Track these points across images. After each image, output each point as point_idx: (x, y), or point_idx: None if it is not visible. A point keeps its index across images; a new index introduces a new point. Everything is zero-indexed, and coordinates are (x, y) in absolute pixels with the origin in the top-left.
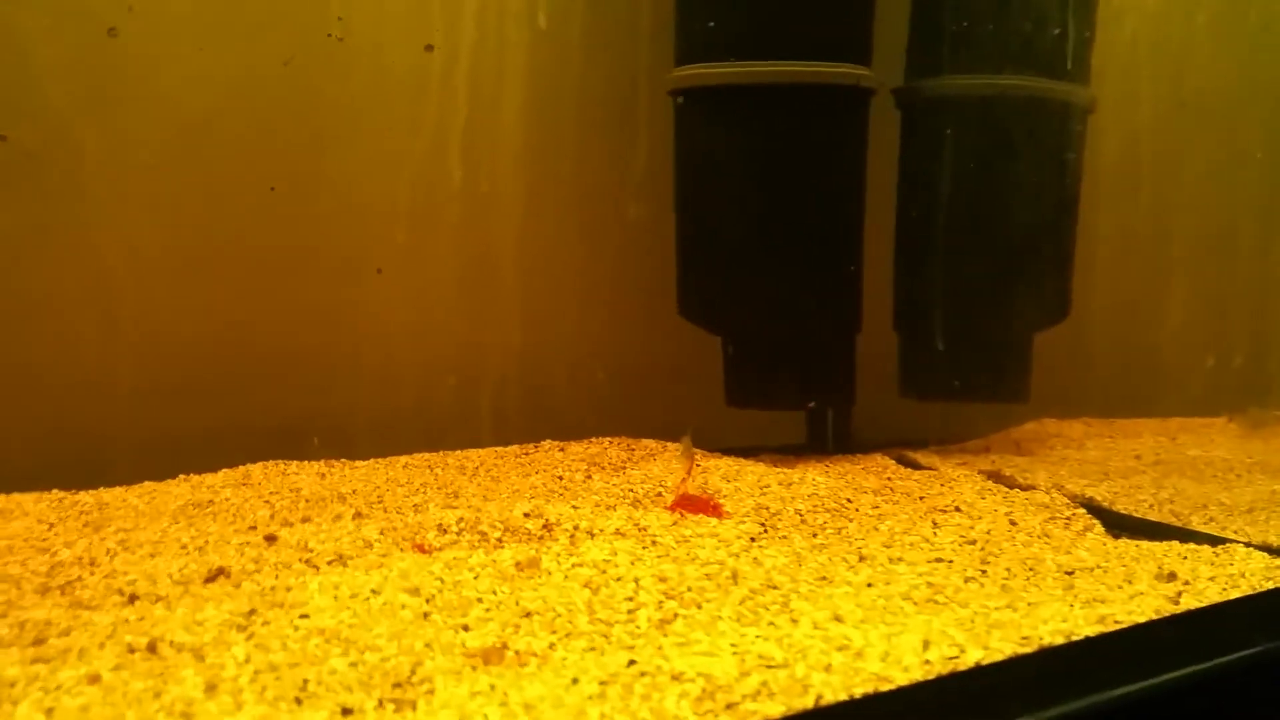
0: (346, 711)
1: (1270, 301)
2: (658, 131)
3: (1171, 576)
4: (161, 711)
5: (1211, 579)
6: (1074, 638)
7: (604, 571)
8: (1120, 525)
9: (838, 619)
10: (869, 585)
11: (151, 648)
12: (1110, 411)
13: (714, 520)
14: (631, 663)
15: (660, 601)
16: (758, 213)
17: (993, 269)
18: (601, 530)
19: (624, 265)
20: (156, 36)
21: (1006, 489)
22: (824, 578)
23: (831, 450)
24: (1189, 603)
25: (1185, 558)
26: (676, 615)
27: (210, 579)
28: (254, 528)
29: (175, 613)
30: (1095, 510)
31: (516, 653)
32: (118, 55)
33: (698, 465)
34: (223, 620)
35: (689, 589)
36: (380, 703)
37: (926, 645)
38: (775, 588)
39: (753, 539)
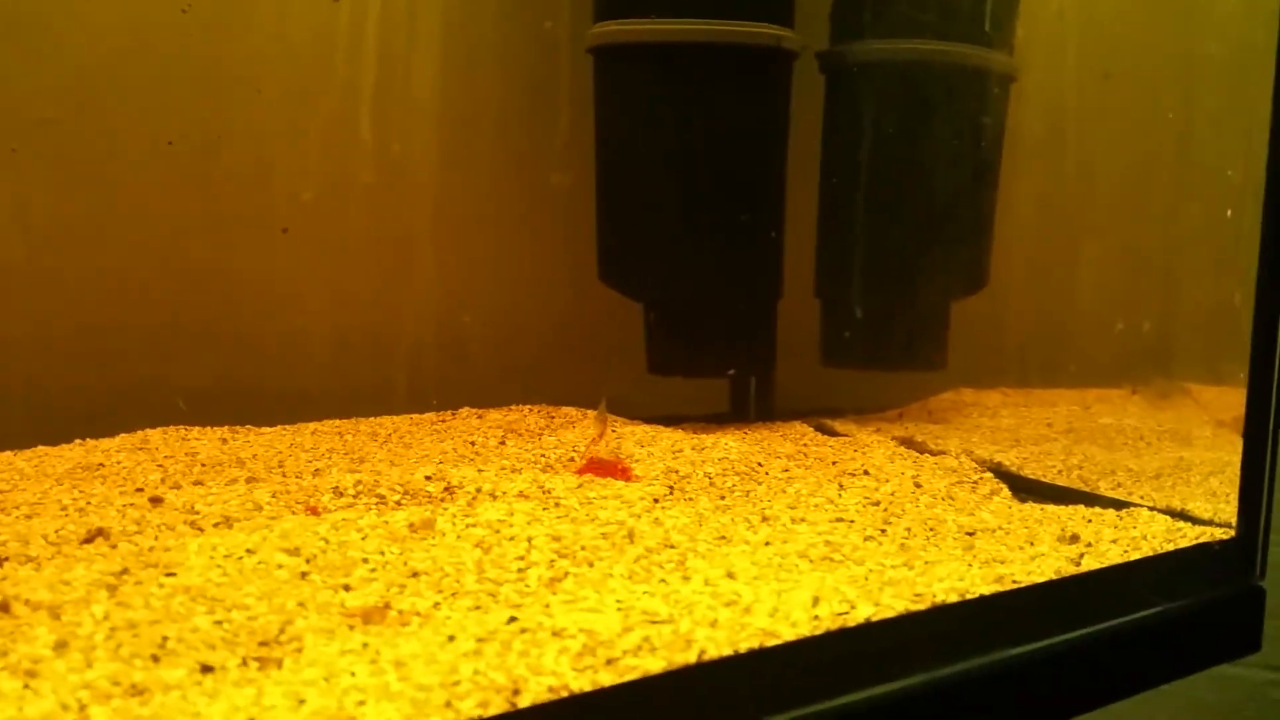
0: (206, 669)
1: (1177, 271)
2: (580, 91)
3: (1074, 538)
4: (5, 670)
5: (1114, 541)
6: (968, 596)
7: (498, 531)
8: (1028, 489)
9: (730, 576)
10: (766, 544)
11: (4, 606)
12: (1028, 382)
13: (621, 483)
14: (512, 619)
15: (552, 560)
16: (677, 176)
17: (911, 237)
18: (505, 493)
19: (545, 229)
20: None
21: (917, 454)
22: (723, 537)
23: (753, 418)
24: (1090, 564)
25: (1090, 521)
26: (567, 574)
27: (87, 540)
28: (141, 490)
29: (42, 573)
30: (1003, 475)
31: (400, 612)
32: (14, 7)
33: (614, 432)
34: (92, 580)
35: (583, 548)
36: (244, 661)
37: (816, 601)
38: (672, 547)
39: (656, 500)
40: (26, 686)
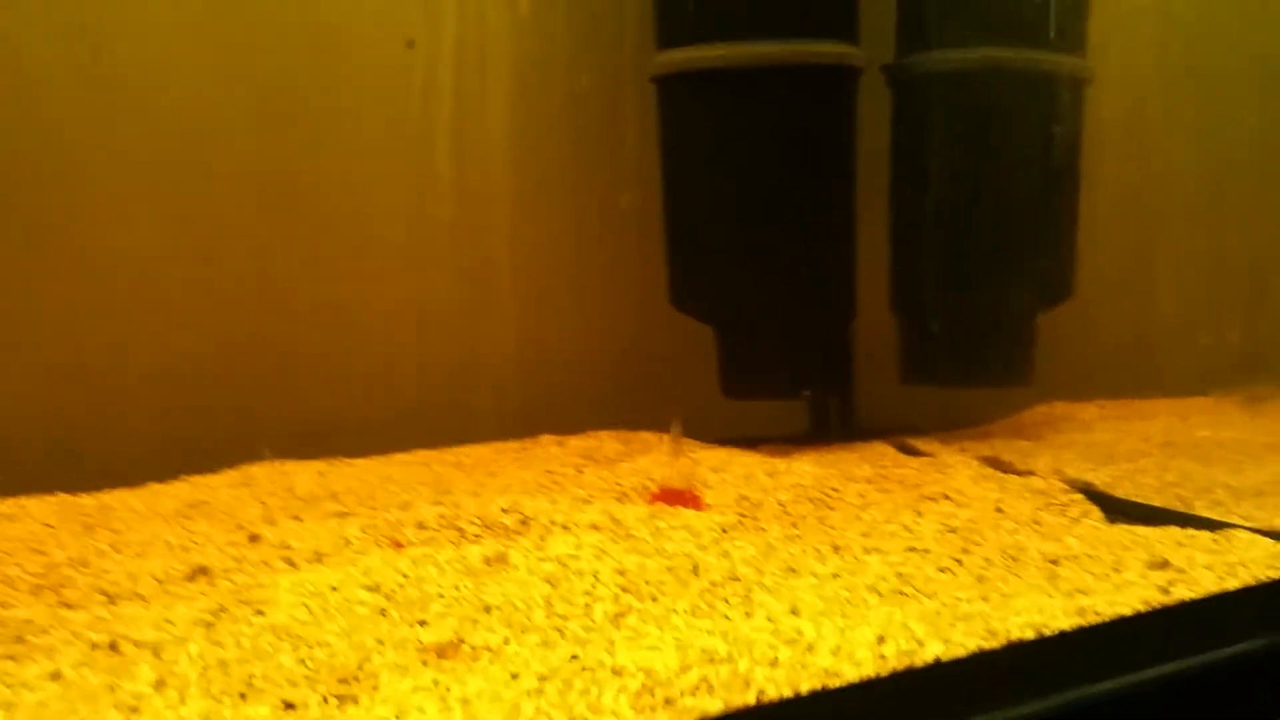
0: (289, 706)
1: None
2: (648, 118)
3: (1164, 564)
4: (113, 706)
5: (1208, 567)
6: (1046, 632)
7: (566, 566)
8: (1119, 511)
9: (794, 612)
10: (835, 576)
11: (113, 646)
12: (1123, 393)
13: (691, 512)
14: (574, 657)
15: (616, 595)
16: (743, 198)
17: (988, 248)
18: (577, 524)
19: (619, 256)
20: (148, 45)
21: (1003, 475)
22: (792, 569)
23: (833, 439)
24: (1181, 593)
25: (1182, 544)
26: (631, 609)
27: (191, 578)
28: (241, 527)
29: (149, 611)
30: (1094, 496)
31: (473, 648)
32: (114, 65)
33: (689, 457)
34: (193, 618)
35: (647, 582)
36: (325, 698)
37: (882, 639)
38: (738, 580)
39: (724, 530)
40: None
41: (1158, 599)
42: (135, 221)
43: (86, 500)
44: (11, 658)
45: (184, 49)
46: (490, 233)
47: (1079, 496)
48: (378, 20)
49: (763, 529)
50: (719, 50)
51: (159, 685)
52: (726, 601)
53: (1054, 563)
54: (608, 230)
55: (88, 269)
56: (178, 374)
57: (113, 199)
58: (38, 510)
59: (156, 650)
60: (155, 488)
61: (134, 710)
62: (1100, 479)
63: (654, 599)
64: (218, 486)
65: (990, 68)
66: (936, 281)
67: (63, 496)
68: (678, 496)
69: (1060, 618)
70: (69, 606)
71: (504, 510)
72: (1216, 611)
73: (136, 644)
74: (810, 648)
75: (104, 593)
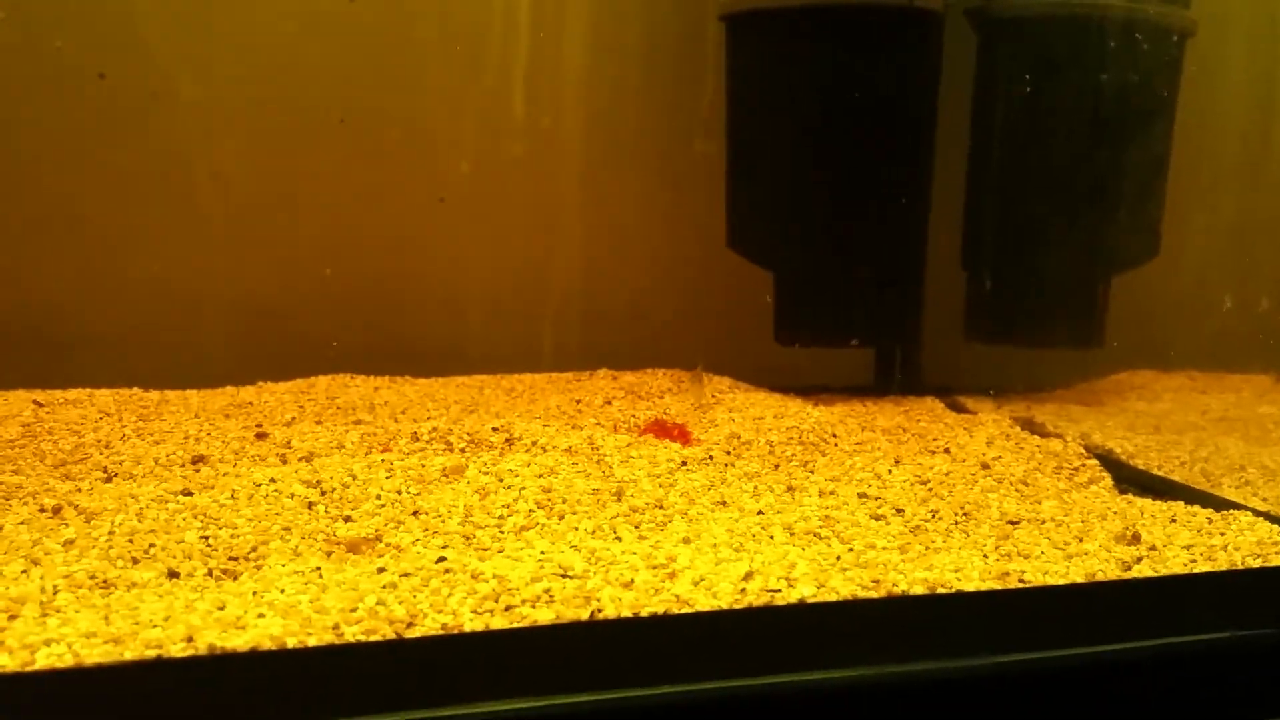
0: (173, 574)
1: None
2: (719, 61)
3: (1135, 539)
4: (24, 558)
5: (1187, 547)
6: (941, 590)
7: (502, 480)
8: (1131, 481)
9: (685, 541)
10: (759, 513)
11: (56, 510)
12: (1225, 365)
13: (668, 443)
14: (440, 559)
15: (530, 510)
16: (808, 143)
17: (1057, 203)
18: (554, 446)
19: (692, 197)
20: None
21: (1025, 436)
22: (723, 503)
23: (894, 392)
24: (1142, 571)
25: (1174, 520)
26: (538, 524)
27: (186, 465)
28: (258, 426)
29: (126, 486)
30: (1111, 464)
31: (385, 545)
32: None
33: (713, 397)
34: (154, 496)
35: (564, 501)
36: (210, 571)
37: (749, 575)
38: (662, 508)
39: (684, 463)
40: (24, 571)
41: (1113, 574)
42: (225, 147)
43: (152, 395)
44: None
45: None
46: (559, 171)
47: (1093, 462)
48: None
49: (731, 465)
50: None
51: (67, 544)
52: (636, 527)
53: (1013, 524)
54: (680, 172)
55: (190, 189)
56: (264, 292)
57: (210, 123)
58: (102, 400)
59: (90, 517)
60: (226, 390)
61: (34, 563)
62: (1126, 448)
63: (562, 517)
64: (277, 392)
65: (1079, 13)
66: (1002, 239)
67: (135, 390)
68: (667, 430)
69: (975, 579)
70: (68, 479)
71: (494, 429)
72: (1174, 594)
73: (79, 510)
74: (673, 575)
75: (104, 470)
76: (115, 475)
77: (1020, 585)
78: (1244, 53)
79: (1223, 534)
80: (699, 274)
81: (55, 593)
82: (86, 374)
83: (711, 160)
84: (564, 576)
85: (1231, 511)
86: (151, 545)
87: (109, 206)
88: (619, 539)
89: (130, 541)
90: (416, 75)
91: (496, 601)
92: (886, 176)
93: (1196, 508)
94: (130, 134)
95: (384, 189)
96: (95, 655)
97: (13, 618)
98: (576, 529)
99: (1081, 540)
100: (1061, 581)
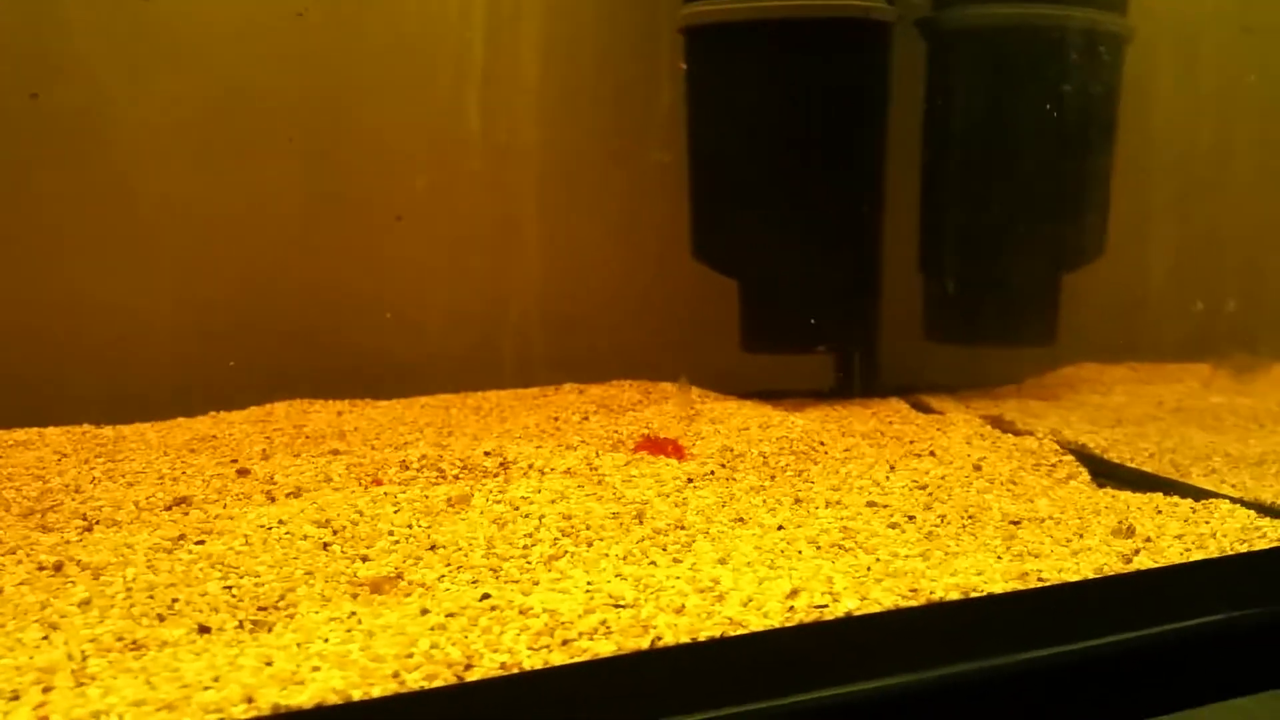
0: (204, 629)
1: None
2: (675, 71)
3: (1130, 532)
4: (36, 621)
5: (1179, 537)
6: (974, 594)
7: (517, 509)
8: (1108, 475)
9: (722, 561)
10: (780, 528)
11: (58, 567)
12: (1162, 356)
13: (667, 460)
14: (485, 596)
15: (555, 539)
16: (768, 152)
17: (1015, 207)
18: (553, 469)
19: (650, 209)
20: None
21: (999, 434)
22: (741, 519)
23: (855, 395)
24: (1142, 562)
25: (1160, 511)
26: (566, 553)
27: (170, 507)
28: (235, 462)
29: (115, 536)
30: (1085, 458)
31: (409, 584)
32: (148, 15)
33: (691, 408)
34: (151, 545)
35: (588, 527)
36: (240, 623)
37: (795, 593)
38: (683, 528)
39: (690, 480)
40: (45, 638)
41: (1117, 567)
42: (174, 165)
43: (106, 431)
44: None
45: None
46: (518, 183)
47: (1069, 458)
48: None
49: (734, 479)
50: (745, 3)
51: (84, 605)
52: (664, 549)
53: (1015, 524)
54: (637, 182)
55: (126, 214)
56: (212, 315)
57: (153, 143)
58: (54, 439)
59: (97, 573)
60: (180, 421)
61: (54, 627)
62: (1098, 442)
63: (590, 544)
64: (235, 422)
65: (1024, 23)
66: (960, 241)
67: (86, 427)
68: (660, 446)
69: (999, 581)
70: (46, 529)
71: (486, 454)
72: (1177, 583)
73: (82, 566)
74: (721, 598)
75: (84, 518)
76: (97, 523)
77: (1040, 584)
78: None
79: (1208, 522)
80: (657, 284)
81: (84, 659)
82: (26, 410)
83: (667, 171)
84: (617, 606)
85: (1209, 500)
86: (175, 600)
87: (44, 231)
88: (654, 564)
89: (151, 597)
90: (369, 91)
91: (552, 636)
92: (845, 184)
93: (1176, 498)
94: (67, 155)
95: (336, 207)
96: None
97: (47, 690)
98: (607, 555)
99: (1082, 536)
100: (1075, 578)
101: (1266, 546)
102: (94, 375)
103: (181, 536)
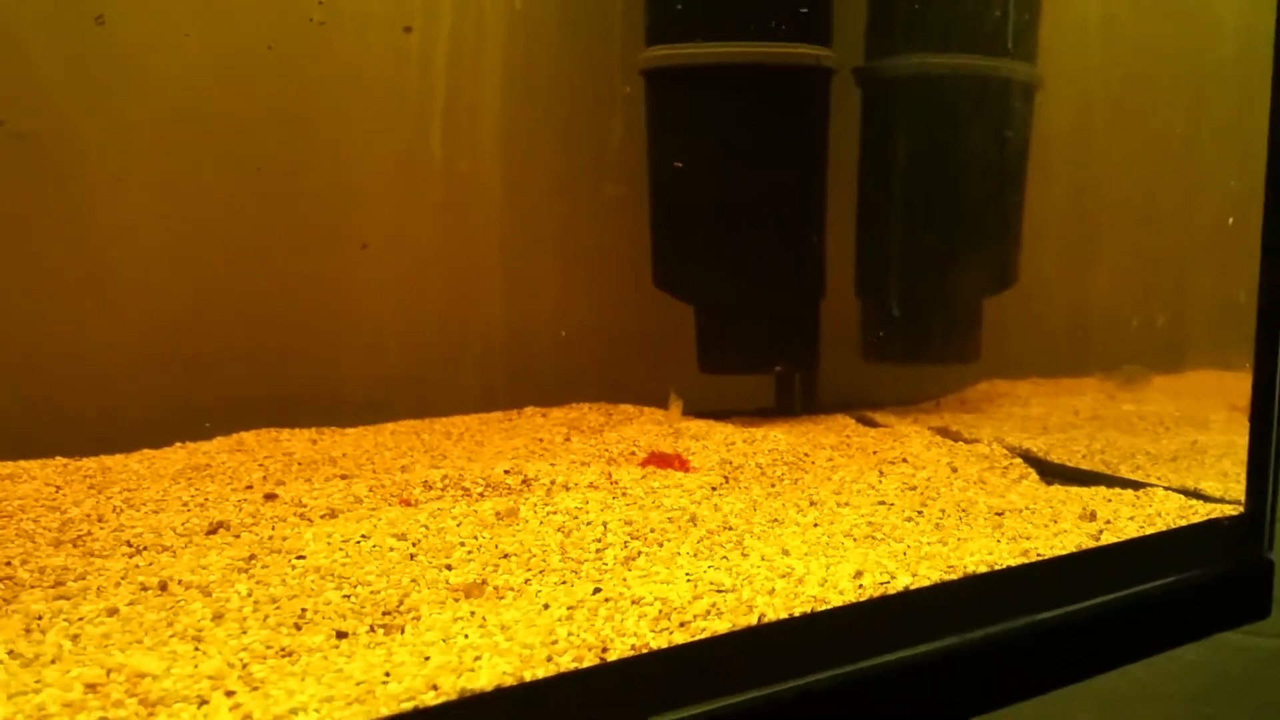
0: (341, 634)
1: (1189, 267)
2: (633, 109)
3: (1093, 516)
4: (175, 636)
5: (1131, 518)
6: (997, 567)
7: (575, 517)
8: (1054, 473)
9: (785, 553)
10: (815, 525)
11: (163, 586)
12: (1058, 372)
13: (680, 473)
14: (597, 590)
15: (626, 541)
16: (723, 188)
17: (943, 239)
18: (576, 484)
19: (602, 239)
20: (144, 23)
21: (952, 443)
22: (776, 520)
23: (798, 413)
24: (1109, 539)
25: (1110, 500)
26: (640, 553)
27: (211, 531)
28: (250, 487)
29: (180, 559)
30: (1031, 460)
31: (496, 588)
32: (108, 42)
33: (672, 426)
34: (225, 564)
35: (652, 530)
36: (371, 627)
37: (860, 573)
38: (730, 529)
39: (714, 488)
40: (197, 649)
41: (1090, 544)
42: (131, 198)
43: (88, 463)
44: (64, 597)
45: (182, 27)
46: (480, 214)
47: (1018, 461)
48: (377, 6)
49: (746, 488)
50: (704, 49)
51: (217, 618)
52: (723, 546)
53: (1000, 514)
54: (595, 215)
55: (84, 244)
56: (166, 347)
57: (109, 176)
58: (40, 472)
59: (205, 590)
60: (151, 453)
61: (198, 639)
62: (1037, 446)
63: (660, 544)
64: (214, 452)
65: (947, 73)
66: (895, 268)
67: (62, 459)
68: (666, 460)
69: (1008, 558)
70: (97, 556)
71: (506, 472)
72: (1138, 554)
73: (184, 584)
74: (800, 580)
75: (129, 544)
76: (144, 548)
77: (1039, 558)
78: (1076, 103)
79: (1150, 505)
80: (610, 310)
81: (244, 666)
82: None
83: (621, 203)
84: (719, 591)
85: (1145, 489)
86: (304, 609)
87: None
88: (725, 558)
89: (278, 608)
90: (335, 119)
91: (670, 620)
92: (792, 216)
93: (1117, 489)
94: (31, 183)
95: (300, 236)
96: (350, 717)
97: (229, 694)
98: (679, 554)
99: (1056, 521)
100: (1063, 553)
101: (1199, 520)
102: (48, 406)
103: (253, 556)
